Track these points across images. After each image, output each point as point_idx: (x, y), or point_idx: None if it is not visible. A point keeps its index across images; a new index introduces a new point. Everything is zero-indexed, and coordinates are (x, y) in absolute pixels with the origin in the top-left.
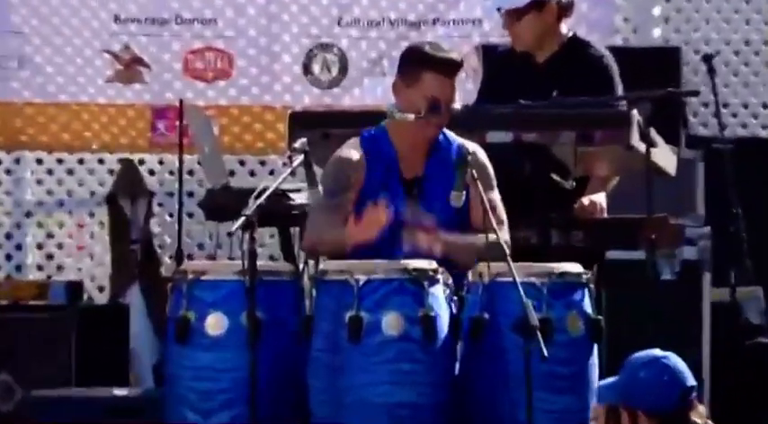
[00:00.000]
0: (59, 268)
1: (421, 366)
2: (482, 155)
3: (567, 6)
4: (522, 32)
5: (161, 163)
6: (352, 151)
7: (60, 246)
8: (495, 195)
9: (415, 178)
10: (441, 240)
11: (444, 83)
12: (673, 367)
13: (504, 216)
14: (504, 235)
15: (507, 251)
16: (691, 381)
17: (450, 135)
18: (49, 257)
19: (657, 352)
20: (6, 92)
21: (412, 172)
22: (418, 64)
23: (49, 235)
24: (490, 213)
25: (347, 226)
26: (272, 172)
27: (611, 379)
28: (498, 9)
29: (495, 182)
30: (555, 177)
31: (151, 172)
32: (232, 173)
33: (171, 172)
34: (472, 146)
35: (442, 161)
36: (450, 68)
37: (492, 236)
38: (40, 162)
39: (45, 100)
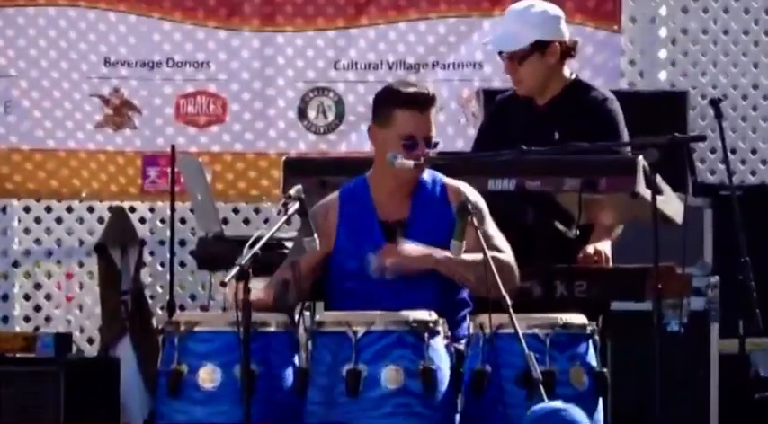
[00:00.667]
0: (47, 319)
1: (421, 420)
2: (471, 193)
3: (570, 47)
4: (524, 77)
5: (152, 210)
6: (322, 204)
7: (48, 297)
8: (490, 226)
9: (399, 221)
10: (432, 255)
11: (417, 118)
12: (571, 420)
13: (501, 240)
14: (508, 257)
15: (508, 301)
16: None
17: (436, 174)
18: (37, 308)
19: (558, 404)
20: None
21: (395, 216)
22: (388, 103)
23: (37, 286)
24: (485, 247)
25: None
26: (266, 221)
27: None
28: (500, 53)
29: (487, 213)
30: (558, 225)
31: (142, 220)
32: (225, 221)
33: (162, 221)
34: (462, 187)
35: (426, 201)
36: (419, 102)
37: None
38: (27, 210)
39: (32, 146)
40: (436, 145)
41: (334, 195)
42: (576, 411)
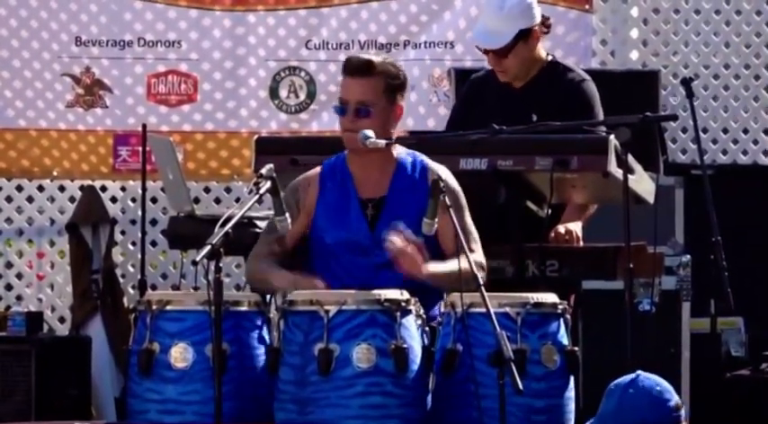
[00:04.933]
0: (19, 298)
1: (392, 399)
2: (451, 179)
3: (545, 25)
4: (509, 66)
5: (123, 189)
6: (305, 176)
7: (20, 276)
8: (467, 218)
9: (375, 198)
10: (425, 270)
11: (348, 83)
12: (655, 381)
13: (477, 238)
14: (479, 257)
15: (481, 279)
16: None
17: (418, 155)
18: (8, 287)
19: (629, 376)
20: None
21: (373, 193)
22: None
23: (8, 265)
24: (463, 239)
25: (276, 274)
26: (237, 200)
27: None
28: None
29: (465, 204)
30: (530, 205)
31: (113, 200)
32: (197, 201)
33: (133, 200)
34: (443, 171)
35: (405, 180)
36: (348, 68)
37: (466, 264)
38: None
39: (3, 125)
40: (368, 112)
41: (316, 170)
42: (647, 374)
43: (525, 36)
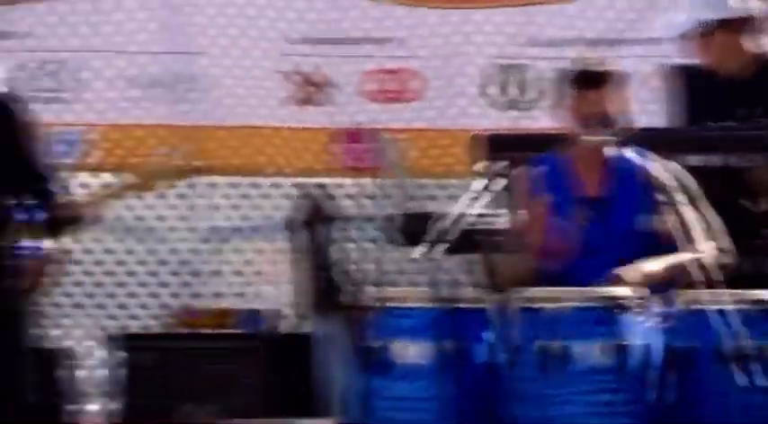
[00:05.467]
0: (240, 295)
1: (621, 396)
2: (679, 173)
3: (747, 21)
4: (704, 55)
5: (341, 187)
6: (525, 175)
7: (240, 273)
8: (702, 209)
9: (597, 197)
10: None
11: (588, 96)
12: None
13: (717, 228)
14: (717, 249)
15: (718, 271)
16: None
17: (633, 154)
18: (232, 284)
19: None
20: (177, 116)
21: (595, 192)
22: (566, 82)
23: (228, 262)
24: (691, 233)
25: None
26: (460, 197)
27: None
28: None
29: (698, 196)
30: (745, 202)
31: (333, 197)
32: (424, 198)
33: (353, 196)
34: (668, 166)
35: (621, 181)
36: (587, 80)
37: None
38: (213, 186)
39: (217, 123)
40: (611, 122)
41: (534, 169)
42: None
43: (723, 27)
